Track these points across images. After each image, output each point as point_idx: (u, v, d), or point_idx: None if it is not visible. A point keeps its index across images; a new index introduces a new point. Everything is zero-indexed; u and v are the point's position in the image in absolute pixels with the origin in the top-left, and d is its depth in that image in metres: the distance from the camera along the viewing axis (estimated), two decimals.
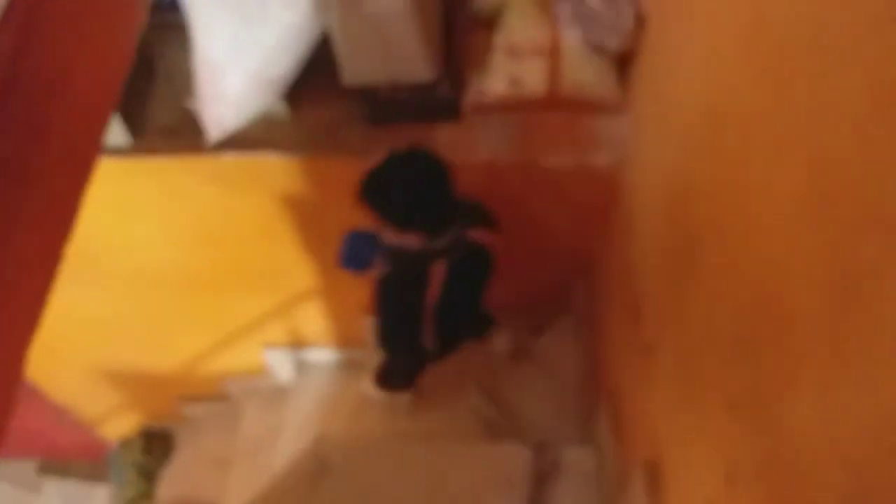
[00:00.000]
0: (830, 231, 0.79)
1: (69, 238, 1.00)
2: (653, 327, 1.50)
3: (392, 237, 1.73)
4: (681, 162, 1.35)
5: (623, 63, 1.80)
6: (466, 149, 1.82)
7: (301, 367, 3.02)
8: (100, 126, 1.16)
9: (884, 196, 0.69)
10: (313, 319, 2.72)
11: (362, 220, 2.10)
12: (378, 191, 1.64)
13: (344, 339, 2.91)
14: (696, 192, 1.26)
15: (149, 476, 3.75)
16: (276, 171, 1.87)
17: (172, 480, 3.68)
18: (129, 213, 2.06)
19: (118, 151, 1.84)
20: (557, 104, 1.83)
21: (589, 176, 1.85)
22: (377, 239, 1.78)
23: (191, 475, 3.54)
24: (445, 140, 1.83)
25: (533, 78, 1.79)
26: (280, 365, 3.00)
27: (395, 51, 1.69)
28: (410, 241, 1.71)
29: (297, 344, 2.92)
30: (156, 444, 3.84)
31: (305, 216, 2.09)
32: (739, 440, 1.04)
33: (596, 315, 2.18)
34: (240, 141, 1.82)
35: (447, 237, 1.74)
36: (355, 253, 1.86)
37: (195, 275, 2.35)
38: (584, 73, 1.77)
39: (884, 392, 0.69)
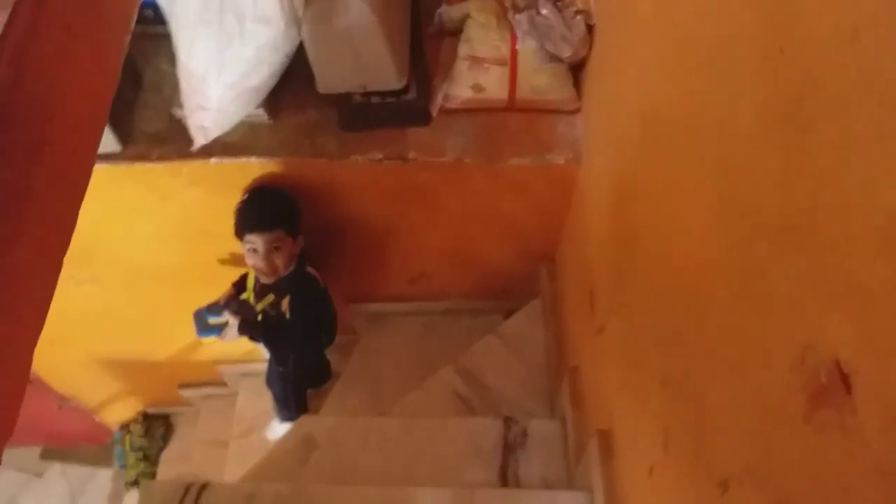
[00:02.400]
0: (732, 231, 0.88)
1: (67, 247, 1.06)
2: (603, 311, 1.59)
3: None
4: (622, 163, 1.44)
5: (577, 69, 1.88)
6: (435, 150, 1.90)
7: None
8: (93, 141, 1.22)
9: (772, 206, 0.77)
10: None
11: (340, 213, 2.17)
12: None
13: None
14: (633, 191, 1.34)
15: (150, 458, 3.82)
16: (257, 172, 1.93)
17: (172, 461, 3.75)
18: (121, 213, 2.11)
19: (109, 157, 1.89)
20: (517, 108, 1.91)
21: (548, 173, 1.93)
22: (215, 306, 2.18)
23: (190, 456, 3.62)
24: (416, 142, 1.90)
25: (494, 85, 1.86)
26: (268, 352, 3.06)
27: (365, 60, 1.75)
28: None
29: None
30: (155, 428, 3.90)
31: None
32: (672, 411, 1.13)
33: (558, 299, 2.27)
34: (223, 146, 1.88)
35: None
36: (201, 325, 2.19)
37: (186, 270, 2.41)
38: (541, 79, 1.84)
39: (772, 373, 0.78)
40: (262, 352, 3.03)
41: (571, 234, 2.08)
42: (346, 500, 1.76)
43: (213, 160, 1.89)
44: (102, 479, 4.18)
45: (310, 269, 2.15)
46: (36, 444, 4.29)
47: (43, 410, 3.67)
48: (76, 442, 4.24)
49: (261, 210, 1.97)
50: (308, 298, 2.15)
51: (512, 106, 1.93)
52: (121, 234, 2.22)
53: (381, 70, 1.78)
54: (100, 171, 1.86)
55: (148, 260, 2.36)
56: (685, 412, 1.07)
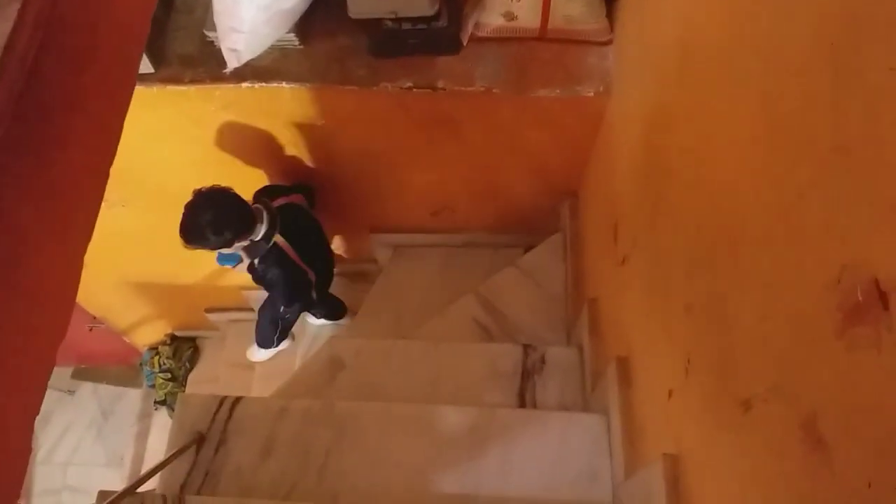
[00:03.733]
0: (774, 156, 0.87)
1: (113, 157, 1.07)
2: (627, 242, 1.59)
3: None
4: (656, 93, 1.41)
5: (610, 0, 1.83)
6: (464, 79, 1.87)
7: None
8: (137, 52, 1.22)
9: (821, 128, 0.76)
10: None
11: (367, 142, 2.16)
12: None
13: (353, 254, 3.01)
14: (668, 121, 1.32)
15: (177, 379, 3.92)
16: (288, 98, 1.92)
17: (199, 383, 3.86)
18: (153, 137, 2.11)
19: (142, 78, 1.88)
20: (548, 38, 1.87)
21: (576, 106, 1.90)
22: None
23: (216, 378, 3.71)
24: (445, 71, 1.87)
25: (526, 13, 1.81)
26: None
27: None
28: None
29: None
30: (183, 350, 3.99)
31: (316, 141, 2.15)
32: (695, 337, 1.14)
33: (580, 232, 2.27)
34: (254, 70, 1.87)
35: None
36: (221, 254, 2.27)
37: None
38: (574, 8, 1.80)
39: (805, 293, 0.78)
40: None
41: (596, 168, 2.06)
42: (374, 415, 1.81)
43: (245, 85, 1.88)
44: (132, 398, 4.32)
45: (278, 241, 2.24)
46: (68, 365, 4.42)
47: (74, 331, 3.75)
48: (106, 362, 4.36)
49: (190, 227, 2.05)
50: (267, 267, 2.31)
51: (543, 36, 1.88)
52: (152, 158, 2.23)
53: None
54: (135, 93, 1.86)
55: (178, 184, 2.36)
56: (709, 336, 1.08)
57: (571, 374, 1.90)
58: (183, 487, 1.76)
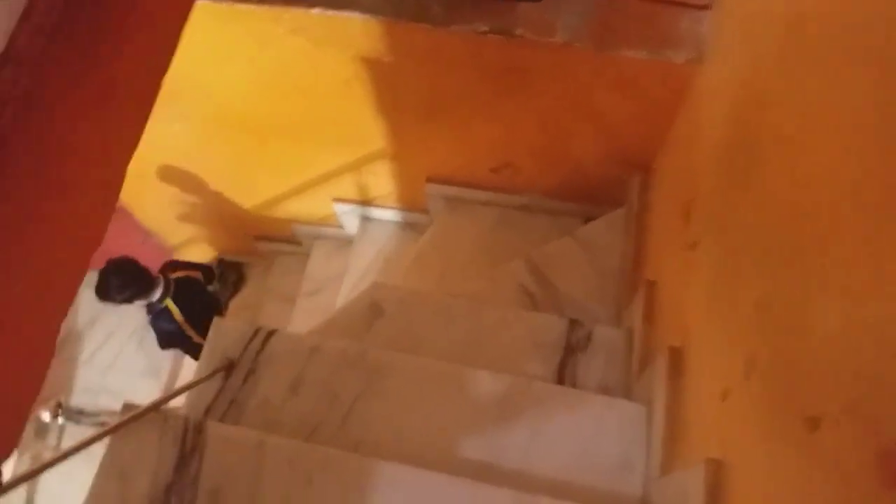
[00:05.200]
0: (882, 150, 0.75)
1: (167, 68, 1.02)
2: (700, 226, 1.48)
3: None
4: (754, 67, 1.28)
5: None
6: (544, 29, 1.75)
7: (365, 222, 3.09)
8: None
9: None
10: (381, 180, 2.76)
11: (433, 86, 2.07)
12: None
13: (406, 202, 2.96)
14: (764, 99, 1.20)
15: (220, 301, 3.98)
16: (360, 30, 1.84)
17: (241, 308, 3.91)
18: (218, 55, 2.07)
19: None
20: None
21: (662, 71, 1.76)
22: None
23: (258, 306, 3.76)
24: (525, 18, 1.76)
25: None
26: (347, 218, 3.08)
27: None
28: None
29: (364, 201, 2.98)
30: (229, 274, 4.05)
31: (382, 79, 2.07)
32: (763, 337, 1.04)
33: (647, 210, 2.15)
34: None
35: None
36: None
37: (275, 122, 2.39)
38: None
39: None
40: (337, 218, 3.06)
41: (676, 142, 1.93)
42: (407, 367, 1.78)
43: (316, 11, 1.80)
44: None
45: (168, 304, 2.97)
46: None
47: (128, 242, 3.85)
48: (155, 273, 4.46)
49: (100, 287, 2.74)
50: (155, 320, 3.04)
51: None
52: (215, 77, 2.19)
53: None
54: (201, 7, 1.81)
55: (239, 107, 2.34)
56: (780, 338, 0.98)
57: (617, 356, 1.81)
58: (208, 411, 1.76)
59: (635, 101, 1.94)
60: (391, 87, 2.12)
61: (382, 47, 1.90)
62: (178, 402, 1.78)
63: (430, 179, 2.67)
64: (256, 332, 1.89)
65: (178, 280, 3.02)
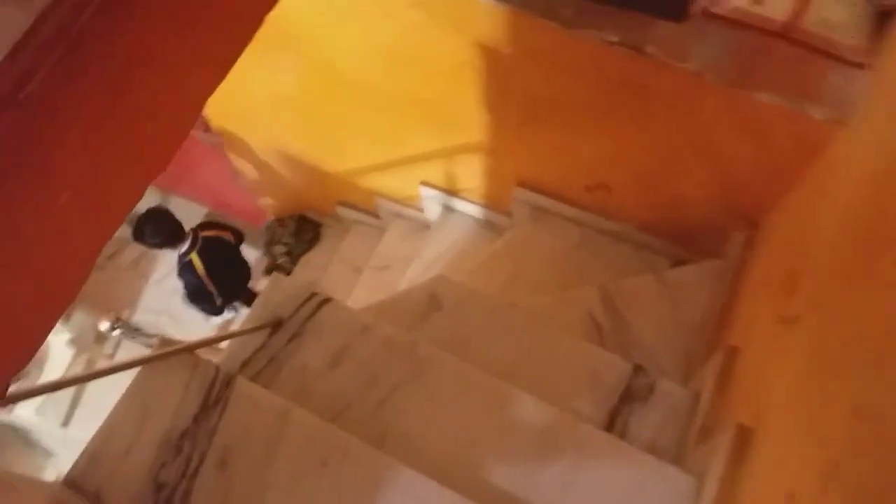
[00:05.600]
0: None
1: (271, 5, 0.96)
2: (805, 301, 1.32)
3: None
4: None
5: (886, 17, 1.49)
6: (678, 53, 1.62)
7: (446, 211, 3.03)
8: None
9: None
10: (471, 173, 2.69)
11: (546, 87, 1.97)
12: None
13: (491, 201, 2.87)
14: None
15: (291, 255, 4.03)
16: (482, 14, 1.75)
17: (309, 266, 3.94)
18: (338, 16, 2.04)
19: None
20: (791, 37, 1.57)
21: (797, 125, 1.60)
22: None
23: (325, 267, 3.77)
24: (659, 37, 1.63)
25: (777, 1, 1.53)
26: (429, 203, 3.03)
27: None
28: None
29: (449, 189, 2.91)
30: (306, 232, 4.09)
31: (495, 70, 1.99)
32: (854, 448, 0.90)
33: (746, 269, 1.98)
34: None
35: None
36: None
37: (381, 91, 2.34)
38: (837, 13, 1.49)
39: None
40: (420, 201, 3.01)
41: (796, 203, 1.75)
42: (453, 370, 1.70)
43: None
44: (246, 257, 4.53)
45: (192, 258, 3.18)
46: (205, 205, 4.67)
47: (219, 177, 3.93)
48: (236, 215, 4.57)
49: (136, 229, 3.05)
50: (181, 272, 3.25)
51: (787, 33, 1.58)
52: (331, 35, 2.16)
53: None
54: None
55: (348, 69, 2.30)
56: (877, 456, 0.84)
57: (677, 417, 1.66)
58: (245, 363, 1.73)
59: (759, 149, 1.78)
60: (502, 80, 2.02)
61: (503, 37, 1.81)
62: (220, 349, 1.77)
63: (520, 183, 2.57)
64: (312, 296, 1.85)
65: (207, 238, 3.23)
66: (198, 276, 3.20)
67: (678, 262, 2.39)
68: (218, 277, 3.27)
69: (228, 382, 1.49)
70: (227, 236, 3.40)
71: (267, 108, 2.85)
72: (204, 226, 3.37)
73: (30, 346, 0.89)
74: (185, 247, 3.14)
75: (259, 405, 1.50)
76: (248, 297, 3.65)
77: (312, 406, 1.60)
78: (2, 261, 0.81)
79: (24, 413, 3.93)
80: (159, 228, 3.06)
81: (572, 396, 1.72)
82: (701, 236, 2.26)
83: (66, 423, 3.93)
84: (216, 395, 1.45)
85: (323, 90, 2.50)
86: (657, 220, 2.38)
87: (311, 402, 1.66)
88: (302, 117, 2.83)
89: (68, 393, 3.95)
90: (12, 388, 1.02)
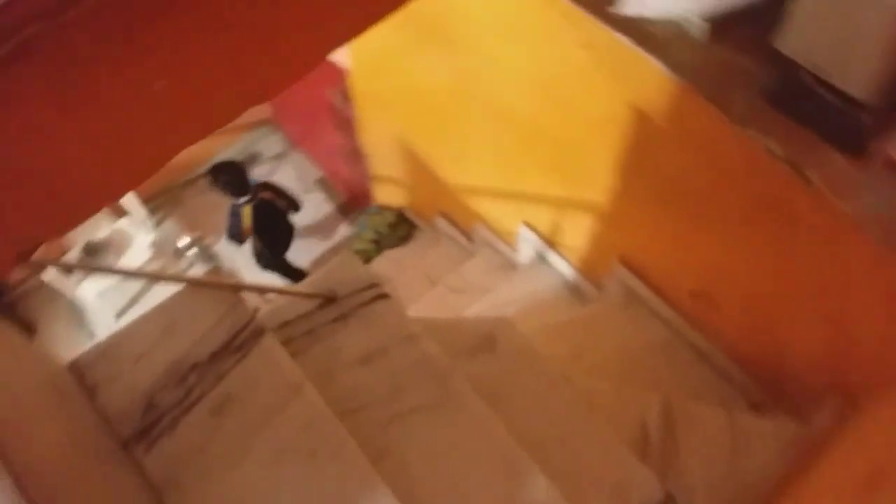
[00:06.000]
0: None
1: None
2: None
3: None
4: None
5: None
6: (843, 190, 1.45)
7: (539, 259, 2.92)
8: None
9: None
10: (577, 230, 2.57)
11: (689, 175, 1.84)
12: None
13: (588, 266, 2.74)
14: None
15: (378, 244, 4.03)
16: (649, 77, 1.65)
17: (388, 261, 3.93)
18: (505, 30, 2.00)
19: None
20: None
21: None
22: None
23: (403, 268, 3.74)
24: (829, 170, 1.46)
25: None
26: (525, 245, 2.93)
27: (851, 47, 1.34)
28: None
29: (549, 239, 2.81)
30: (401, 228, 4.09)
31: (640, 137, 1.88)
32: None
33: (827, 445, 1.75)
34: (638, 31, 1.62)
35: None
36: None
37: (518, 118, 2.29)
38: None
39: None
40: (516, 239, 2.92)
41: None
42: (478, 417, 1.60)
43: (620, 36, 1.64)
44: (341, 232, 4.59)
45: (244, 209, 3.55)
46: (320, 169, 4.77)
47: (341, 148, 4.00)
48: (344, 190, 4.64)
49: (211, 170, 3.52)
50: (232, 213, 3.57)
51: None
52: (490, 49, 2.13)
53: (857, 66, 1.36)
54: None
55: (495, 87, 2.26)
56: None
57: None
58: (283, 325, 1.69)
59: (894, 324, 1.57)
60: (643, 149, 1.91)
61: (660, 107, 1.70)
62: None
63: (622, 260, 2.43)
64: (373, 285, 1.79)
65: (262, 199, 3.61)
66: (240, 225, 3.58)
67: (755, 405, 2.17)
68: (260, 231, 3.67)
69: (257, 334, 1.44)
70: (281, 203, 3.78)
71: (405, 98, 2.85)
72: (266, 187, 3.72)
73: (70, 219, 0.86)
74: (242, 200, 3.53)
75: (277, 368, 1.44)
76: (287, 269, 4.02)
77: (328, 393, 1.53)
78: (78, 117, 0.79)
79: (89, 294, 4.10)
80: (230, 178, 3.52)
81: (589, 499, 1.56)
82: (791, 390, 2.04)
83: (120, 315, 4.08)
84: (241, 340, 1.41)
85: (463, 98, 2.47)
86: (751, 354, 2.18)
87: (329, 388, 1.59)
88: (435, 118, 2.81)
89: (132, 288, 4.10)
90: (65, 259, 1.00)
